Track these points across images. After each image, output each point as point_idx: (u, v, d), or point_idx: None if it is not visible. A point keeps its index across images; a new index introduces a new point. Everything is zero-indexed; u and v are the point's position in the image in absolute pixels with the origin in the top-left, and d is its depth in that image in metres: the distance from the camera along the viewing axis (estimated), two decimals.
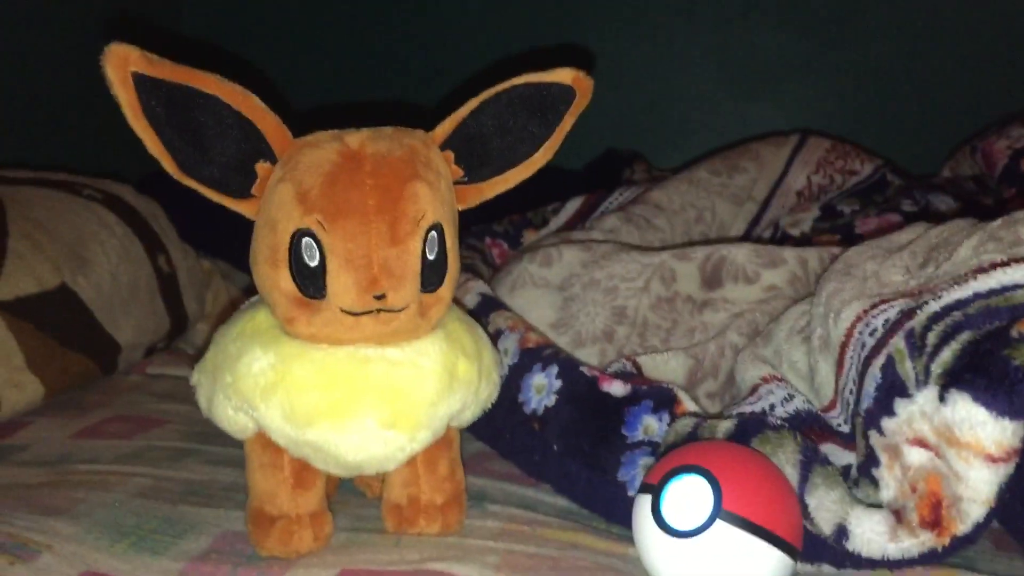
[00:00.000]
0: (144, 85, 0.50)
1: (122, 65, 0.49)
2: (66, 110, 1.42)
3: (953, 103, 1.53)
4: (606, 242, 0.94)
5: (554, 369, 0.69)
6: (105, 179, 1.12)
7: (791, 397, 0.64)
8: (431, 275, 0.54)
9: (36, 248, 0.91)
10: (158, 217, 1.12)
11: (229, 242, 1.31)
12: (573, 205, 1.22)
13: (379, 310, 0.53)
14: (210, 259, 1.24)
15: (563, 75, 0.58)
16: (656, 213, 1.10)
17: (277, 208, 0.53)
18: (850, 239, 1.11)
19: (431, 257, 0.54)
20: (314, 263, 0.52)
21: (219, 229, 1.31)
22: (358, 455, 0.55)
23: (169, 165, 0.52)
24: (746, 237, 1.16)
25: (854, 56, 1.58)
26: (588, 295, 0.85)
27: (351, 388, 0.54)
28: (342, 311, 0.53)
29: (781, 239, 1.14)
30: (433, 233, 0.54)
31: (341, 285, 0.52)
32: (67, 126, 1.44)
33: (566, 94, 0.58)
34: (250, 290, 0.60)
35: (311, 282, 0.52)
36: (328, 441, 0.54)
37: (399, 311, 0.53)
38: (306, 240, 0.52)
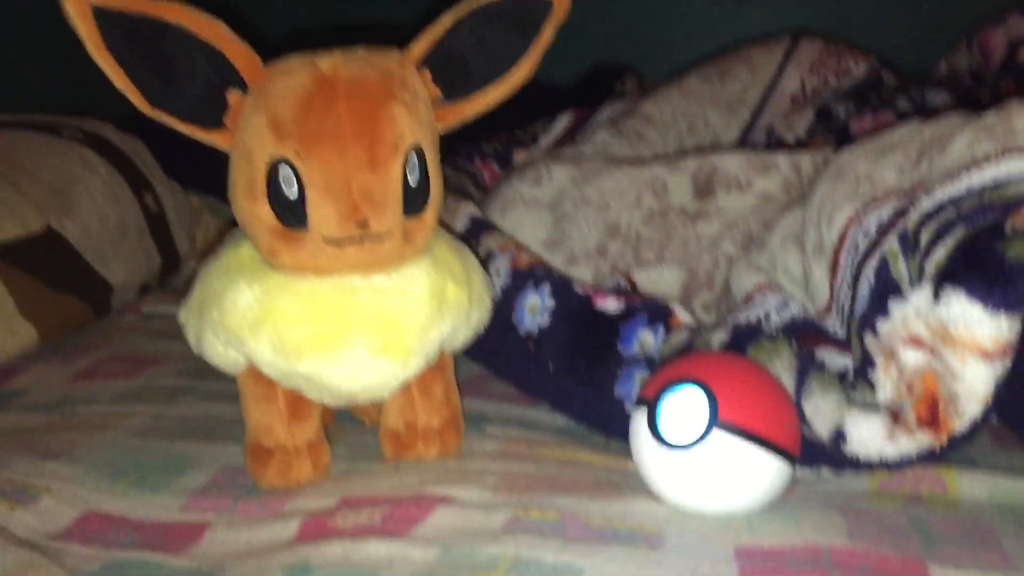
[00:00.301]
0: (105, 18, 0.48)
1: None
2: (38, 51, 1.39)
3: None
4: (597, 157, 0.93)
5: (547, 288, 0.69)
6: (85, 118, 1.10)
7: (786, 303, 0.63)
8: (414, 199, 0.53)
9: (19, 192, 0.90)
10: (141, 154, 1.10)
11: (215, 177, 1.30)
12: (563, 121, 1.20)
13: (362, 237, 0.52)
14: (198, 195, 1.23)
15: None
16: (647, 125, 1.07)
17: (251, 138, 0.52)
18: (845, 141, 1.09)
19: (412, 181, 0.53)
20: (293, 193, 0.51)
21: (204, 164, 1.29)
22: (351, 384, 0.55)
23: (137, 99, 0.51)
24: (740, 144, 1.15)
25: None
26: (580, 212, 0.83)
27: (339, 318, 0.53)
28: (325, 240, 0.52)
29: (776, 145, 1.12)
30: (413, 156, 0.53)
31: (321, 214, 0.51)
32: (40, 67, 1.41)
33: (543, 7, 0.57)
34: (235, 222, 0.59)
35: (291, 212, 0.51)
36: (319, 372, 0.54)
37: (383, 238, 0.52)
38: (284, 169, 0.51)
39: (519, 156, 1.15)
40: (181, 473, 0.59)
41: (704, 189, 0.82)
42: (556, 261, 0.82)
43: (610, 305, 0.66)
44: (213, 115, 0.53)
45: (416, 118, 0.53)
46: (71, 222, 0.93)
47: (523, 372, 0.69)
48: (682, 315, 0.65)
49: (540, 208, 0.86)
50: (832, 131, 1.11)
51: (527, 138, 1.18)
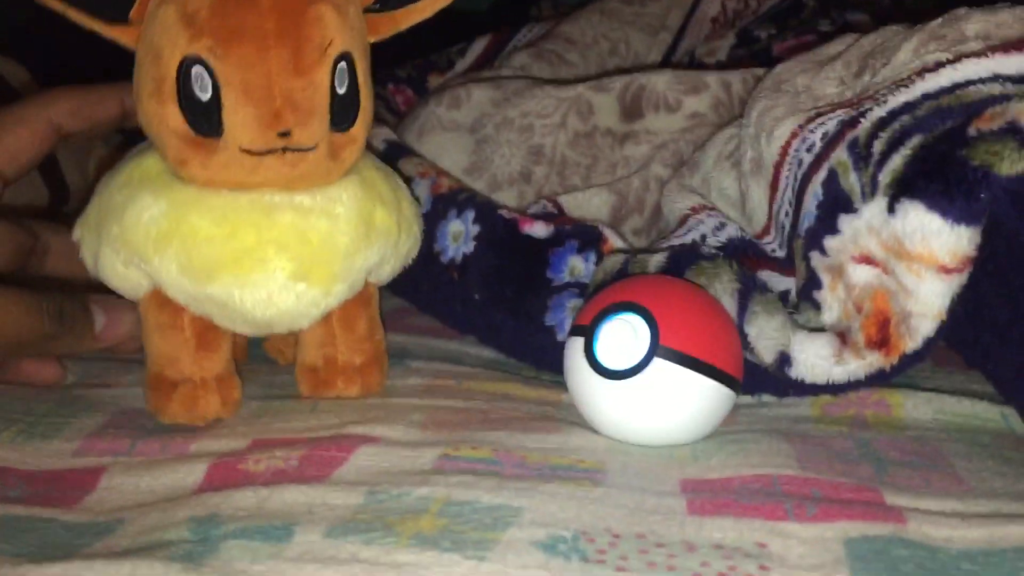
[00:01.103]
0: None
1: None
2: None
3: None
4: (518, 78, 0.88)
5: (471, 214, 0.64)
6: None
7: (723, 225, 0.60)
8: (342, 111, 0.48)
9: None
10: (22, 79, 1.01)
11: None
12: (479, 45, 1.15)
13: (284, 149, 0.46)
14: None
15: None
16: (568, 47, 1.03)
17: (160, 34, 0.46)
18: (768, 64, 1.07)
19: (341, 91, 0.48)
20: (206, 96, 0.45)
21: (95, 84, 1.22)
22: (267, 311, 0.50)
23: None
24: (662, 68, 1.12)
25: None
26: (502, 135, 0.79)
27: (256, 237, 0.48)
28: (242, 150, 0.46)
29: (699, 68, 1.09)
30: (343, 63, 0.47)
31: (239, 120, 0.45)
32: None
33: None
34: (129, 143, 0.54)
35: (204, 118, 0.46)
36: (232, 296, 0.49)
37: (307, 150, 0.47)
38: (196, 69, 0.45)
39: (434, 80, 1.10)
40: (74, 417, 0.53)
41: (631, 110, 0.78)
42: (478, 187, 0.78)
43: (538, 230, 0.63)
44: (116, 6, 0.47)
45: (347, 23, 0.48)
46: None
47: (447, 303, 0.65)
48: (614, 239, 0.62)
49: (459, 132, 0.81)
50: (754, 54, 1.08)
51: (442, 62, 1.13)
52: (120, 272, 0.51)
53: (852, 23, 1.08)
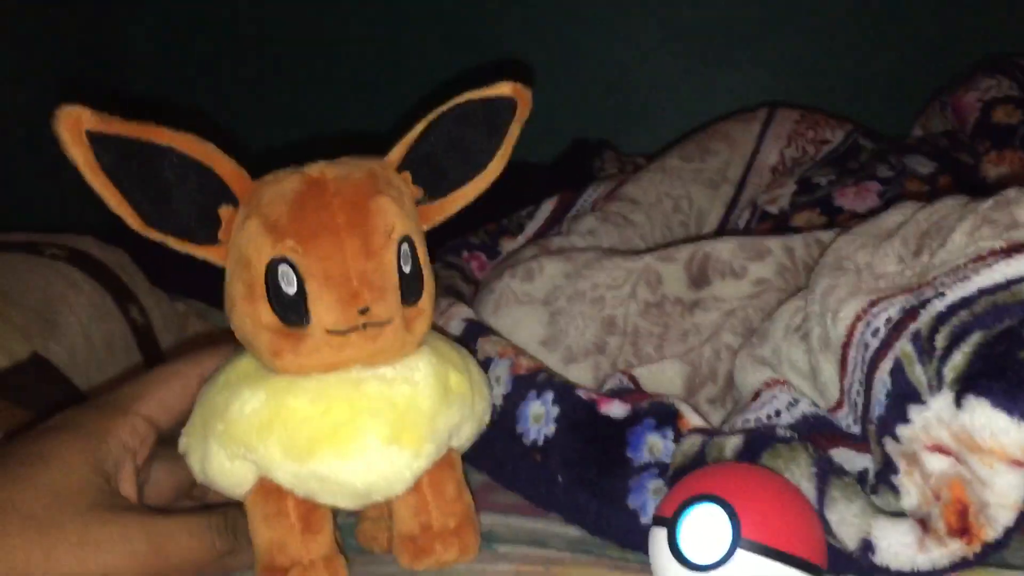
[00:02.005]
0: (98, 143, 0.50)
1: (75, 125, 0.49)
2: (14, 170, 1.38)
3: (919, 57, 1.52)
4: (587, 248, 0.92)
5: (550, 395, 0.67)
6: (66, 234, 1.09)
7: (796, 401, 0.62)
8: (409, 287, 0.54)
9: (2, 318, 0.88)
10: (125, 266, 1.09)
11: (201, 280, 1.29)
12: (547, 207, 1.20)
13: (365, 325, 0.52)
14: (183, 300, 1.21)
15: (502, 88, 0.59)
16: (632, 208, 1.07)
17: (247, 244, 0.52)
18: (830, 211, 1.10)
19: (406, 269, 0.54)
20: (292, 290, 0.52)
21: (189, 269, 1.29)
22: (366, 478, 0.53)
23: (132, 220, 0.52)
24: (725, 220, 1.15)
25: (812, 15, 1.56)
26: (575, 308, 0.82)
27: (348, 409, 0.53)
28: (328, 332, 0.52)
29: (761, 218, 1.12)
30: (405, 245, 0.54)
31: (324, 304, 0.51)
32: (16, 186, 1.41)
33: (508, 105, 0.60)
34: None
35: (292, 310, 0.52)
36: (333, 468, 0.53)
37: (384, 324, 0.53)
38: (282, 267, 0.51)
39: (506, 244, 1.15)
40: None
41: (699, 278, 0.81)
42: (554, 359, 0.81)
43: (615, 410, 0.65)
44: (207, 231, 0.54)
45: (404, 211, 0.55)
46: (57, 345, 0.91)
47: (531, 484, 0.67)
48: (689, 415, 0.63)
49: (534, 304, 0.85)
50: (816, 202, 1.11)
51: (513, 226, 1.18)
52: (227, 468, 0.55)
53: (911, 168, 1.10)
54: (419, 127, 0.58)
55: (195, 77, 1.79)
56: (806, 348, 0.65)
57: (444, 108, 0.58)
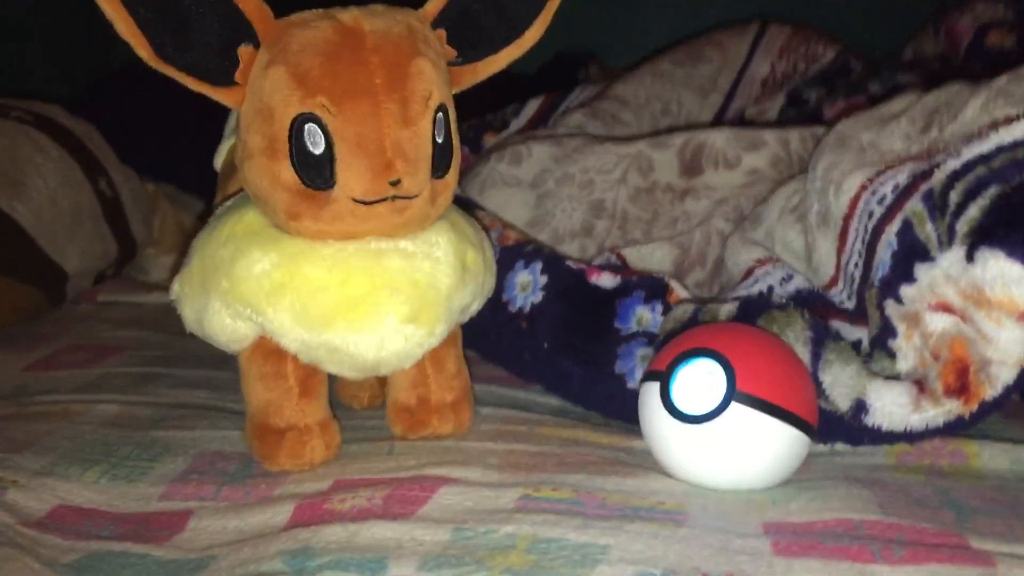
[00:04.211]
0: None
1: None
2: None
3: None
4: (577, 136, 0.90)
5: (538, 265, 0.66)
6: (33, 100, 1.05)
7: (790, 277, 0.61)
8: (441, 159, 0.51)
9: None
10: (94, 138, 1.05)
11: (172, 163, 1.25)
12: (533, 105, 1.17)
13: (394, 197, 0.49)
14: (153, 182, 1.18)
15: None
16: (621, 107, 1.06)
17: (271, 94, 0.48)
18: (820, 125, 1.09)
19: (439, 140, 0.50)
20: (319, 151, 0.48)
21: (161, 151, 1.25)
22: (379, 353, 0.51)
23: (144, 50, 0.47)
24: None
25: None
26: (563, 190, 0.81)
27: (369, 283, 0.50)
28: (354, 201, 0.48)
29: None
30: (440, 114, 0.50)
31: (354, 172, 0.48)
32: None
33: None
34: (203, 217, 0.55)
35: (317, 172, 0.48)
36: (346, 341, 0.51)
37: (414, 198, 0.49)
38: (309, 126, 0.48)
39: (489, 140, 1.13)
40: (156, 460, 0.55)
41: (691, 166, 0.80)
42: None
43: (605, 280, 0.64)
44: (223, 71, 0.49)
45: (441, 76, 0.51)
46: (23, 205, 0.88)
47: (516, 352, 0.66)
48: (679, 290, 0.63)
49: (521, 187, 0.83)
50: (804, 116, 1.10)
51: (497, 122, 1.16)
52: (228, 325, 0.52)
53: (901, 84, 1.09)
54: None
55: None
56: (801, 228, 0.64)
57: None
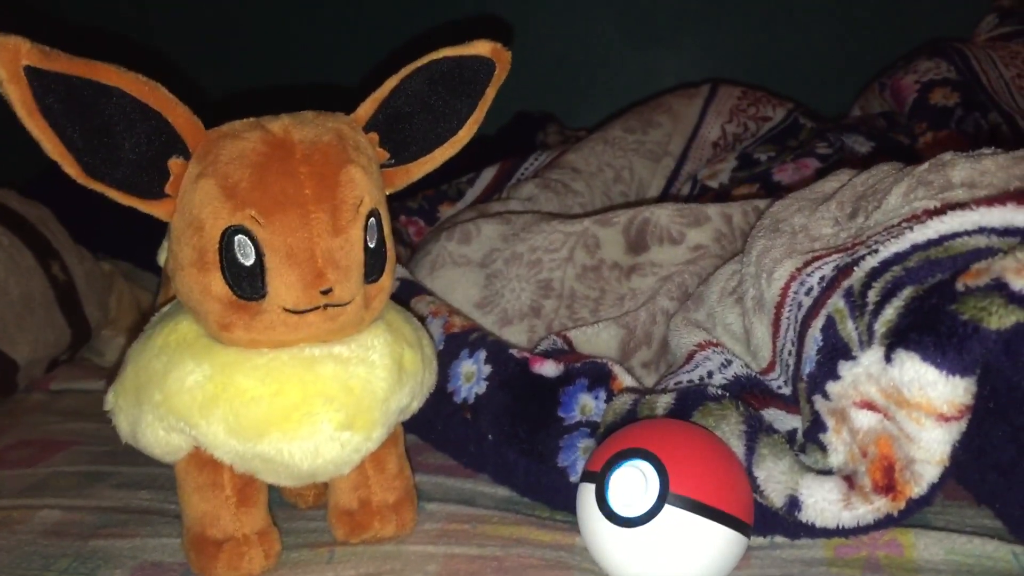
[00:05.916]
0: (38, 80, 0.44)
1: (13, 59, 0.43)
2: None
3: (857, 41, 1.53)
4: (525, 212, 0.91)
5: (482, 354, 0.66)
6: None
7: (728, 363, 0.62)
8: (373, 264, 0.51)
9: None
10: (47, 222, 1.04)
11: (129, 240, 1.24)
12: (488, 174, 1.18)
13: (326, 305, 0.49)
14: (110, 260, 1.17)
15: (481, 47, 0.55)
16: (573, 176, 1.07)
17: (201, 207, 0.48)
18: (768, 186, 1.10)
19: (372, 245, 0.51)
20: (250, 262, 0.48)
21: (117, 228, 1.25)
22: (314, 462, 0.51)
23: (72, 168, 0.46)
24: (665, 192, 1.14)
25: None
26: (511, 270, 0.81)
27: (301, 392, 0.50)
28: (285, 310, 0.48)
29: (700, 192, 1.12)
30: (372, 219, 0.51)
31: (285, 282, 0.48)
32: None
33: (485, 67, 0.55)
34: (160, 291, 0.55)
35: (248, 283, 0.48)
36: (280, 451, 0.50)
37: (346, 305, 0.49)
38: (239, 238, 0.48)
39: (445, 211, 1.13)
40: (95, 571, 0.54)
41: (636, 243, 0.80)
42: (489, 322, 0.80)
43: (548, 369, 0.64)
44: (153, 184, 0.49)
45: (372, 181, 0.51)
46: None
47: (461, 443, 0.66)
48: (623, 377, 0.63)
49: (470, 267, 0.83)
50: (755, 177, 1.11)
51: (452, 192, 1.17)
52: (162, 438, 0.52)
53: (849, 146, 1.11)
54: (390, 83, 0.54)
55: (149, 11, 1.68)
56: (740, 311, 0.64)
57: (418, 64, 0.54)
